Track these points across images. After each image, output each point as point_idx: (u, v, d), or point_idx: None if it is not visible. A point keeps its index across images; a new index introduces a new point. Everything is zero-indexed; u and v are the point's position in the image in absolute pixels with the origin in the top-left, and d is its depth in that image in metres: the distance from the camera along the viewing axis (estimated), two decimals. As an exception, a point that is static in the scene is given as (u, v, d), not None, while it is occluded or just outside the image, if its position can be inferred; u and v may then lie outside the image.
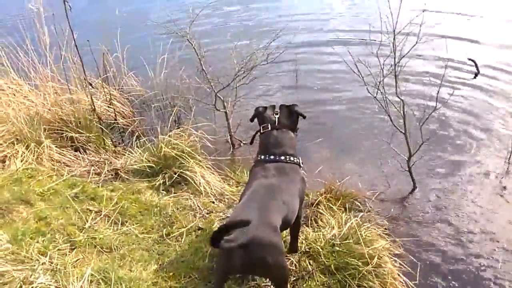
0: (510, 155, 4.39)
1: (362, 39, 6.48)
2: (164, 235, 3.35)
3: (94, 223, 3.44)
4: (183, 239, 3.32)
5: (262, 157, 2.88)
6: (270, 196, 2.59)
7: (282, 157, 2.84)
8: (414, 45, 3.82)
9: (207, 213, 3.64)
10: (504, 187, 4.12)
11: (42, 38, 4.75)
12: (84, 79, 4.83)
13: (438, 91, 3.91)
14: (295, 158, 2.90)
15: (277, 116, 3.00)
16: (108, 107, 5.22)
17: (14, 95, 4.87)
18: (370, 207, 3.92)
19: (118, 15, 5.91)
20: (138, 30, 7.60)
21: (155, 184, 3.92)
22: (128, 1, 10.28)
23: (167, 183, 3.93)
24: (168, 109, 5.46)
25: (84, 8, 9.46)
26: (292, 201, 2.71)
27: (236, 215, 2.52)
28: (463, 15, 8.34)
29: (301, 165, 2.97)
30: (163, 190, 3.88)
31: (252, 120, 3.16)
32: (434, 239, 3.58)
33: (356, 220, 3.43)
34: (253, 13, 9.38)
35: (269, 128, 2.96)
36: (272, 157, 2.84)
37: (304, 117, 3.10)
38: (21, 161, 4.17)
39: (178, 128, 4.61)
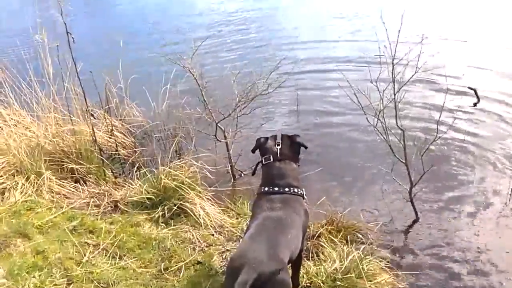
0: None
1: (362, 64, 6.64)
2: (162, 270, 3.29)
3: (92, 257, 3.40)
4: (181, 274, 3.26)
5: (266, 189, 2.86)
6: (277, 229, 2.57)
7: (287, 189, 2.82)
8: (413, 75, 3.83)
9: (207, 246, 3.59)
10: (508, 218, 4.05)
11: (46, 68, 4.82)
12: (86, 110, 4.86)
13: (438, 121, 3.91)
14: (299, 190, 2.88)
15: (279, 147, 2.99)
16: (110, 137, 5.23)
17: (16, 126, 4.90)
18: (372, 239, 3.84)
19: (122, 47, 5.98)
20: (142, 61, 7.70)
21: (155, 216, 3.88)
22: (132, 34, 10.45)
23: (167, 215, 3.89)
24: (169, 140, 5.47)
25: (88, 39, 9.61)
26: (297, 235, 2.67)
27: (244, 248, 2.48)
28: (462, 43, 8.40)
29: (305, 197, 2.94)
30: (162, 222, 3.84)
31: (253, 151, 3.16)
32: (438, 272, 3.50)
33: (358, 253, 3.38)
34: (255, 41, 9.49)
35: (272, 160, 2.95)
36: (276, 189, 2.82)
37: (306, 148, 3.10)
38: (21, 193, 4.16)
39: (179, 158, 4.60)
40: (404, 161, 3.96)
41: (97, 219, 3.89)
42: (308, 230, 3.78)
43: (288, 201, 2.78)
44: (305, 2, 12.52)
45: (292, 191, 2.82)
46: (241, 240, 2.93)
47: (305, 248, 3.46)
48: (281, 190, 2.80)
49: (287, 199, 2.79)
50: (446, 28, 9.13)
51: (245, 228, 3.19)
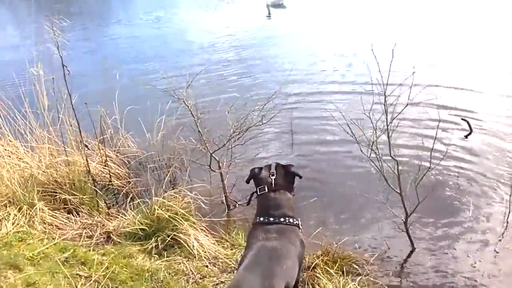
0: (509, 214, 4.34)
1: (356, 95, 6.72)
2: (155, 302, 3.23)
3: (84, 289, 3.33)
4: (175, 306, 3.20)
5: (261, 219, 2.83)
6: (272, 260, 2.53)
7: (282, 219, 2.79)
8: (405, 107, 3.88)
9: (200, 278, 3.53)
10: (504, 248, 4.04)
11: (41, 100, 4.85)
12: (80, 141, 4.87)
13: (431, 151, 3.94)
14: (295, 220, 2.85)
15: (273, 178, 2.97)
16: (103, 168, 5.22)
17: (10, 156, 4.89)
18: (369, 270, 3.80)
19: (117, 79, 6.07)
20: (138, 93, 7.75)
21: (148, 247, 3.83)
22: (128, 66, 10.61)
23: (160, 247, 3.83)
24: (163, 170, 5.47)
25: (85, 72, 9.73)
26: (293, 266, 2.64)
27: (239, 279, 2.45)
28: (454, 74, 8.56)
29: (300, 227, 2.91)
30: (155, 253, 3.78)
31: (248, 181, 3.14)
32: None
33: (354, 284, 3.35)
34: (249, 73, 9.62)
35: (266, 190, 2.93)
36: (271, 219, 2.79)
37: (300, 177, 3.08)
38: (12, 224, 4.10)
39: (173, 189, 4.59)
40: (398, 191, 3.97)
41: (90, 251, 3.83)
42: (303, 261, 3.77)
43: (283, 232, 2.75)
44: (299, 37, 12.78)
45: (287, 221, 2.80)
46: (235, 271, 2.88)
47: (301, 279, 3.43)
48: (276, 220, 2.78)
49: (282, 229, 2.76)
50: (438, 60, 9.34)
51: (239, 259, 3.15)
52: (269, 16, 16.88)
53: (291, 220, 2.81)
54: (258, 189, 2.99)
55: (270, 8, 17.54)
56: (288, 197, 2.95)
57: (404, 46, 10.02)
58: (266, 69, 9.82)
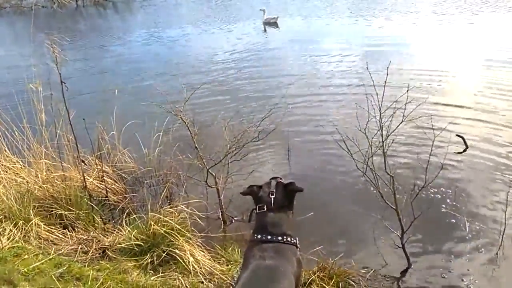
0: (504, 231, 4.35)
1: (351, 112, 6.78)
2: (150, 319, 3.21)
3: (78, 306, 3.32)
4: (169, 323, 3.18)
5: (259, 236, 2.80)
6: (269, 280, 2.52)
7: (280, 238, 2.76)
8: (400, 123, 3.93)
9: (196, 294, 3.52)
10: (499, 265, 4.04)
11: (39, 116, 4.88)
12: (77, 156, 4.89)
13: (426, 168, 3.95)
14: (293, 239, 2.82)
15: (272, 197, 2.92)
16: (100, 183, 5.23)
17: (6, 172, 4.90)
18: (364, 286, 3.80)
19: (114, 95, 6.11)
20: (135, 109, 7.80)
21: (143, 263, 3.82)
22: (126, 82, 10.69)
23: (155, 262, 3.83)
24: (160, 186, 5.48)
25: (83, 88, 9.81)
26: (290, 286, 2.62)
27: None
28: (449, 91, 8.64)
29: (298, 245, 2.90)
30: (150, 269, 3.77)
31: (244, 194, 3.08)
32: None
33: (350, 300, 3.34)
34: (246, 89, 9.70)
35: (265, 209, 2.89)
36: (269, 237, 2.76)
37: (302, 190, 2.99)
38: (8, 239, 4.10)
39: (170, 204, 4.59)
40: (394, 207, 3.98)
41: (85, 266, 3.82)
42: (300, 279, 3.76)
43: (281, 251, 2.72)
44: (294, 54, 12.92)
45: (285, 240, 2.78)
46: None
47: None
48: (274, 238, 2.75)
49: (280, 248, 2.73)
50: (433, 77, 9.43)
51: (236, 277, 3.13)
52: (265, 32, 17.16)
53: (289, 239, 2.78)
54: (257, 208, 2.96)
55: (266, 26, 17.90)
56: (287, 216, 2.91)
57: (399, 63, 10.22)
58: (263, 85, 9.90)
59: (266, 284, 2.47)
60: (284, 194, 2.96)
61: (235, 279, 3.06)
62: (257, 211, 2.93)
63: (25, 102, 5.34)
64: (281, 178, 3.10)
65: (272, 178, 3.08)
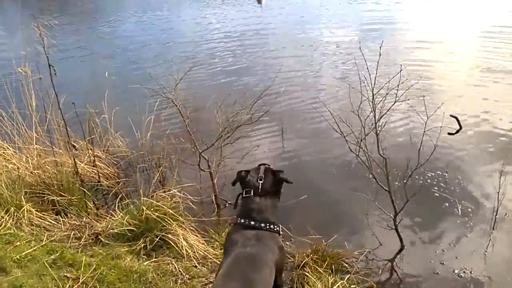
0: (497, 211, 4.37)
1: (344, 93, 6.75)
2: (143, 303, 3.22)
3: (71, 292, 3.31)
4: (163, 307, 3.19)
5: (242, 220, 2.79)
6: (251, 267, 2.51)
7: (262, 224, 2.75)
8: (393, 104, 3.89)
9: (189, 279, 3.52)
10: (492, 246, 4.07)
11: (28, 100, 4.81)
12: (68, 141, 4.83)
13: (419, 149, 3.94)
14: (276, 226, 2.81)
15: (260, 182, 2.90)
16: (92, 168, 5.18)
17: (-4, 158, 4.85)
18: (358, 268, 3.82)
19: (105, 79, 6.03)
20: (126, 92, 7.71)
21: (136, 248, 3.82)
22: (116, 65, 10.56)
23: (148, 247, 3.82)
24: (153, 170, 5.45)
25: (72, 72, 9.68)
26: (270, 273, 2.61)
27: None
28: (443, 71, 8.60)
29: (281, 233, 2.88)
30: (143, 254, 3.77)
31: (234, 184, 3.07)
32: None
33: (343, 282, 3.36)
34: (238, 71, 9.60)
35: (252, 194, 2.88)
36: (252, 222, 2.75)
37: (290, 183, 3.00)
38: (-1, 226, 4.07)
39: (163, 189, 4.56)
40: (387, 189, 3.98)
41: (78, 252, 3.81)
42: (292, 259, 3.77)
43: (262, 238, 2.71)
44: (288, 32, 12.77)
45: (268, 227, 2.76)
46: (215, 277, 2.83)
47: (284, 284, 3.42)
48: (257, 225, 2.74)
49: (262, 235, 2.72)
50: (426, 57, 9.37)
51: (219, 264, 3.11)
52: (259, 4, 17.14)
53: (271, 226, 2.77)
54: (244, 192, 2.94)
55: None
56: (273, 203, 2.89)
57: (392, 44, 10.13)
58: (255, 68, 9.80)
59: (247, 272, 2.46)
60: (272, 181, 2.94)
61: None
62: (244, 195, 2.91)
63: (14, 86, 5.26)
64: (268, 165, 3.08)
65: (261, 164, 3.05)
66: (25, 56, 4.97)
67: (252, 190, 2.87)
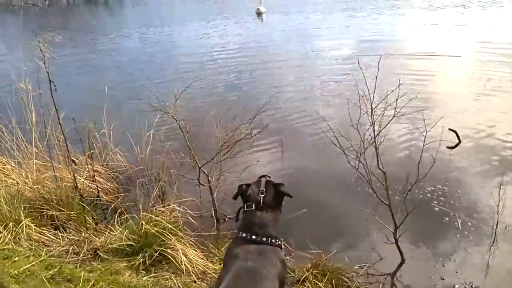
0: (497, 225, 4.35)
1: (343, 108, 6.77)
2: (142, 319, 3.19)
3: (69, 307, 3.28)
4: (162, 323, 3.16)
5: (244, 235, 2.75)
6: (252, 282, 2.48)
7: (264, 239, 2.72)
8: (392, 118, 3.91)
9: (188, 294, 3.50)
10: (492, 260, 4.05)
11: (28, 115, 4.82)
12: (68, 156, 4.83)
13: (419, 162, 3.95)
14: (278, 241, 2.78)
15: (262, 196, 2.87)
16: (91, 183, 5.18)
17: (-4, 173, 4.84)
18: (358, 282, 3.79)
19: (105, 94, 6.06)
20: (126, 108, 7.75)
21: (135, 263, 3.78)
22: (116, 80, 10.62)
23: (147, 262, 3.79)
24: (152, 184, 5.44)
25: (72, 87, 9.73)
26: (274, 287, 2.59)
27: None
28: (441, 86, 8.66)
29: (283, 247, 2.86)
30: (142, 269, 3.74)
31: (235, 198, 3.02)
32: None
33: (344, 297, 3.33)
34: (238, 87, 9.66)
35: (253, 208, 2.84)
36: (254, 237, 2.72)
37: (291, 197, 2.95)
38: (-2, 241, 4.05)
39: (162, 203, 4.55)
40: (387, 203, 3.97)
41: (76, 267, 3.77)
42: (292, 274, 3.75)
43: (264, 252, 2.67)
44: (290, 50, 12.87)
45: (270, 241, 2.73)
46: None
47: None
48: (259, 239, 2.70)
49: (264, 250, 2.68)
50: (424, 71, 9.43)
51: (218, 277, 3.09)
52: (259, 19, 17.41)
53: (273, 241, 2.73)
54: (245, 205, 2.90)
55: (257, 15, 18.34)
56: (274, 217, 2.86)
57: (391, 58, 10.22)
58: (255, 82, 9.86)
59: (248, 287, 2.44)
60: (274, 195, 2.91)
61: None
62: (245, 209, 2.88)
63: (14, 101, 5.28)
64: (269, 177, 3.07)
65: (261, 177, 3.04)
66: (26, 71, 4.98)
67: (253, 204, 2.84)
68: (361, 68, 4.09)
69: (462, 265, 4.01)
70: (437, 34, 13.23)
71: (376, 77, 3.86)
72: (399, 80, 4.11)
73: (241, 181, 3.14)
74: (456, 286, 3.75)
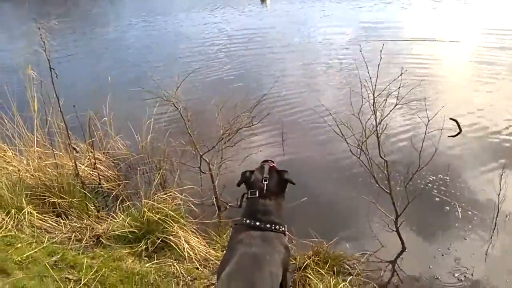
0: (498, 214, 4.37)
1: (345, 96, 6.77)
2: (145, 305, 3.21)
3: (73, 293, 3.31)
4: (165, 309, 3.18)
5: (248, 221, 2.77)
6: (256, 267, 2.51)
7: (268, 225, 2.75)
8: (394, 107, 3.92)
9: (191, 280, 3.52)
10: (492, 248, 4.08)
11: (29, 103, 4.81)
12: (69, 143, 4.83)
13: (420, 151, 3.95)
14: (281, 227, 2.80)
15: (265, 183, 2.89)
16: (93, 171, 5.18)
17: (-3, 160, 4.85)
18: (360, 269, 3.82)
19: (105, 82, 6.04)
20: (127, 96, 7.73)
21: (137, 250, 3.81)
22: (117, 68, 10.58)
23: (150, 249, 3.82)
24: (153, 172, 5.45)
25: (73, 75, 9.68)
26: (277, 273, 2.61)
27: (222, 287, 2.40)
28: (443, 75, 8.63)
29: (286, 233, 2.87)
30: (145, 256, 3.77)
31: (239, 185, 3.04)
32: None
33: (345, 284, 3.36)
34: (239, 75, 9.62)
35: (257, 195, 2.86)
36: (258, 223, 2.74)
37: (294, 184, 2.99)
38: (0, 228, 4.06)
39: (163, 191, 4.56)
40: (388, 191, 3.99)
41: (79, 254, 3.80)
42: (294, 261, 3.77)
43: (268, 238, 2.71)
44: (291, 37, 12.79)
45: (273, 228, 2.76)
46: (217, 275, 2.83)
47: (290, 283, 3.43)
48: (262, 226, 2.74)
49: (267, 236, 2.72)
50: (426, 60, 9.40)
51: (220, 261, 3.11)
52: (265, 5, 17.58)
53: (277, 227, 2.76)
54: (249, 192, 2.93)
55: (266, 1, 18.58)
56: (278, 203, 2.89)
57: (394, 46, 10.17)
58: (256, 70, 9.82)
59: (252, 272, 2.46)
60: (277, 182, 2.93)
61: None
62: (249, 196, 2.90)
63: (14, 89, 5.26)
64: (273, 162, 3.07)
65: (264, 162, 3.04)
66: (27, 59, 4.96)
67: (257, 191, 2.86)
68: (363, 57, 4.08)
69: (462, 253, 4.03)
70: (437, 20, 13.19)
71: (379, 66, 3.84)
72: (401, 68, 4.10)
73: (243, 169, 3.12)
74: (456, 274, 3.77)
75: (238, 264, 2.50)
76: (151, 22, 17.12)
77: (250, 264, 2.51)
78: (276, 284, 2.56)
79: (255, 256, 2.56)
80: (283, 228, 2.80)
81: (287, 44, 11.86)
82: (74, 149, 5.04)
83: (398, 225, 4.03)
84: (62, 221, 4.37)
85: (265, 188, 2.86)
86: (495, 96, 7.37)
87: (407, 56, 9.53)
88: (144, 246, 3.85)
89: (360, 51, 4.29)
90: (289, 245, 2.92)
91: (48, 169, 4.76)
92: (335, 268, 3.70)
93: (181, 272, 3.60)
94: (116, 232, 4.04)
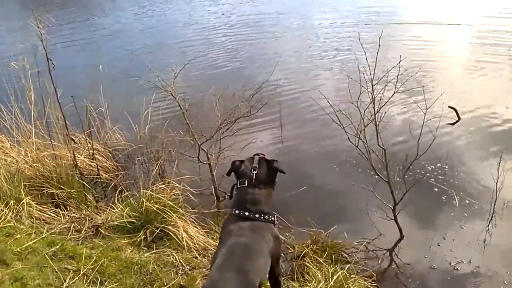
0: (495, 202, 4.38)
1: (343, 85, 6.75)
2: (144, 294, 3.23)
3: (72, 283, 3.32)
4: (164, 298, 3.20)
5: (237, 211, 2.76)
6: (245, 257, 2.51)
7: (257, 215, 2.73)
8: (392, 95, 3.90)
9: (190, 270, 3.53)
10: (490, 236, 4.09)
11: (27, 94, 4.79)
12: (67, 134, 4.82)
13: (418, 139, 3.95)
14: (270, 217, 2.79)
15: (255, 172, 2.86)
16: (91, 161, 5.18)
17: (-5, 152, 4.84)
18: (358, 258, 3.84)
19: (103, 72, 6.01)
20: (124, 86, 7.70)
21: (136, 240, 3.83)
22: (114, 59, 10.52)
23: (149, 239, 3.83)
24: (152, 163, 5.45)
25: (70, 65, 9.62)
26: (266, 263, 2.61)
27: (214, 279, 2.41)
28: (441, 63, 8.60)
29: (276, 222, 2.87)
30: (144, 246, 3.78)
31: (228, 174, 3.04)
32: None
33: (343, 272, 3.37)
34: (237, 64, 9.59)
35: (246, 184, 2.84)
36: (247, 213, 2.72)
37: (284, 173, 2.95)
38: (-1, 219, 4.08)
39: (162, 181, 4.57)
40: (386, 180, 3.99)
41: (78, 244, 3.82)
42: (292, 250, 3.79)
43: (257, 229, 2.70)
44: (289, 25, 12.73)
45: (262, 217, 2.74)
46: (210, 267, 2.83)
47: (289, 268, 3.45)
48: (252, 216, 2.72)
49: (256, 226, 2.70)
50: (424, 49, 9.36)
51: (213, 254, 3.11)
52: None
53: (266, 217, 2.75)
54: (238, 182, 2.90)
55: None
56: (267, 193, 2.86)
57: (392, 33, 10.11)
58: (255, 59, 9.78)
59: (241, 262, 2.46)
60: (267, 171, 2.90)
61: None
62: (238, 186, 2.88)
63: (12, 79, 5.24)
64: (264, 155, 3.06)
65: (256, 154, 3.03)
66: (24, 50, 4.93)
67: (246, 181, 2.83)
68: (361, 44, 4.05)
69: (459, 241, 4.05)
70: (437, 2, 13.13)
71: (377, 54, 3.82)
72: (400, 56, 4.07)
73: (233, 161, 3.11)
74: (453, 263, 3.79)
75: (228, 255, 2.50)
76: (150, 9, 17.05)
77: (240, 254, 2.51)
78: (264, 275, 2.57)
79: (244, 246, 2.56)
80: (272, 218, 2.79)
81: (284, 33, 11.80)
82: (73, 139, 5.03)
83: (396, 214, 4.04)
84: (61, 211, 4.38)
85: (254, 177, 2.84)
86: (495, 85, 7.34)
87: (405, 38, 9.54)
88: (143, 236, 3.85)
89: (359, 39, 4.25)
90: (284, 236, 2.90)
91: (46, 160, 4.76)
92: (333, 256, 3.72)
93: (180, 262, 3.61)
94: (115, 222, 4.05)
